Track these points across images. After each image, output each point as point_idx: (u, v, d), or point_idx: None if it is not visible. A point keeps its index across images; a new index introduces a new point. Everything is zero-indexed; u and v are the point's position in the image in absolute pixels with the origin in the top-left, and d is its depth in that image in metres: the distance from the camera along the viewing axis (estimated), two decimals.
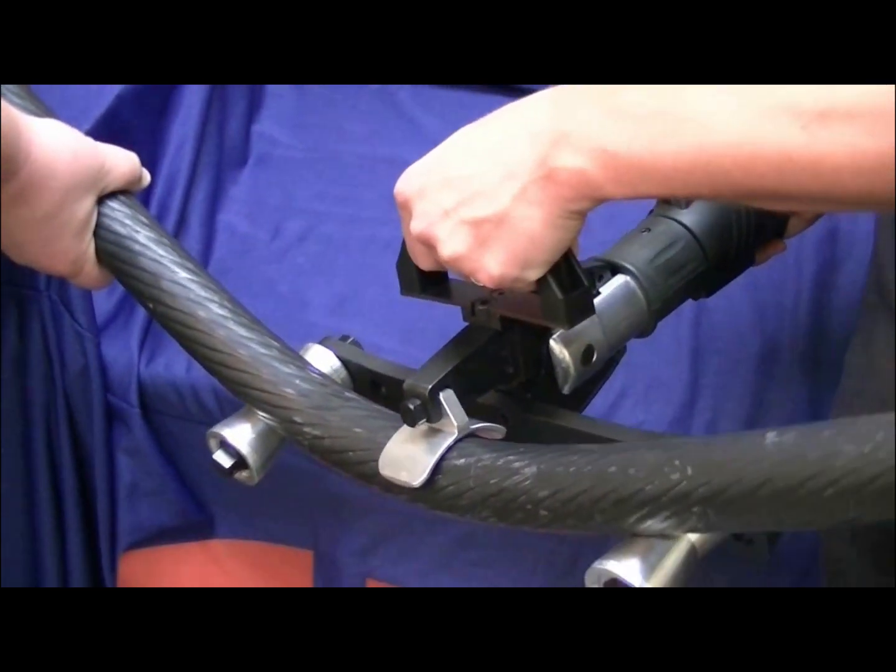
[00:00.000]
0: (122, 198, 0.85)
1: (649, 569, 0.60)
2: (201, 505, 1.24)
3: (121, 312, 1.19)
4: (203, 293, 0.83)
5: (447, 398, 0.73)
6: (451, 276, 0.80)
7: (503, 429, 0.75)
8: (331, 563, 1.22)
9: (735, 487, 0.54)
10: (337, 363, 0.87)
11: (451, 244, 0.71)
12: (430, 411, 0.72)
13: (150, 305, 0.84)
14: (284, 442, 0.84)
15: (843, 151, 0.56)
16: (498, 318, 0.77)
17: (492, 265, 0.70)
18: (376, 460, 0.74)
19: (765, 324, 1.11)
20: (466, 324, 0.79)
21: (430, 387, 0.72)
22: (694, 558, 0.62)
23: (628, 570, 0.60)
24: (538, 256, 0.69)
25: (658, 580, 0.60)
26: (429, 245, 0.73)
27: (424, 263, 0.78)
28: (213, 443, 0.84)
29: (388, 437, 0.75)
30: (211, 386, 1.13)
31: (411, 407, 0.72)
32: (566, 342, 0.75)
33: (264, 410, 0.81)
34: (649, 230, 0.85)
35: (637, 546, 0.61)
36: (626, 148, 0.62)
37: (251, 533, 1.25)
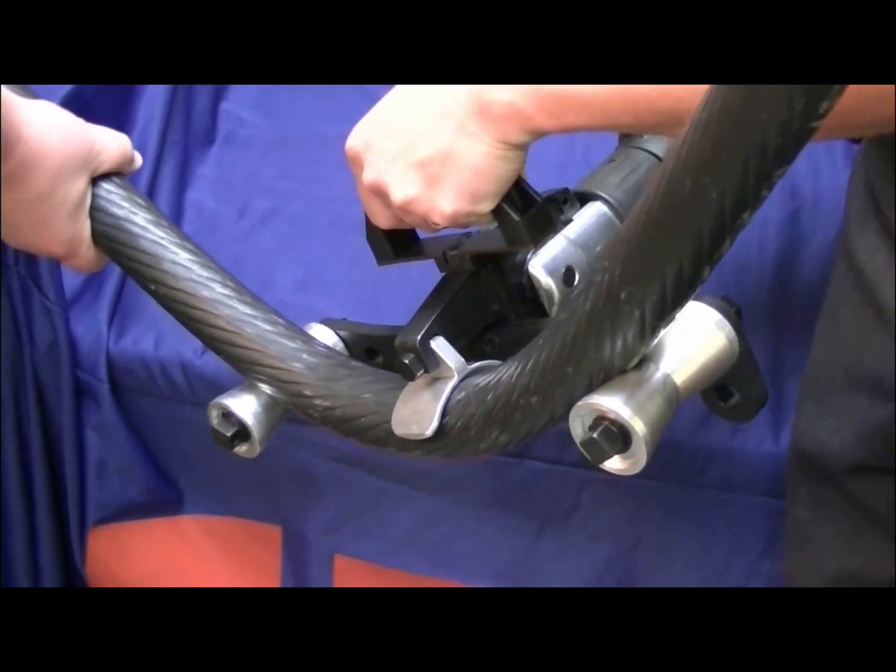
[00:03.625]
0: (115, 179, 0.85)
1: (636, 405, 0.60)
2: (170, 481, 1.25)
3: (89, 288, 1.19)
4: (205, 273, 0.83)
5: (438, 345, 0.75)
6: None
7: (500, 363, 0.75)
8: (298, 539, 1.23)
9: (635, 244, 0.53)
10: (336, 339, 0.88)
11: (402, 188, 0.73)
12: (425, 361, 0.74)
13: (152, 287, 0.83)
14: (286, 415, 0.84)
15: None
16: (469, 259, 0.79)
17: (443, 203, 0.72)
18: (388, 422, 0.75)
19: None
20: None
21: (418, 337, 0.74)
22: (676, 397, 0.63)
23: (614, 403, 0.60)
24: (486, 188, 0.72)
25: (644, 416, 0.60)
26: (381, 194, 0.75)
27: (383, 219, 0.79)
28: (213, 413, 0.84)
29: (396, 398, 0.76)
30: (179, 362, 1.14)
31: (406, 361, 0.74)
32: (546, 267, 0.76)
33: (273, 386, 0.81)
34: (613, 160, 0.86)
35: (620, 385, 0.61)
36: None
37: (219, 509, 1.25)
